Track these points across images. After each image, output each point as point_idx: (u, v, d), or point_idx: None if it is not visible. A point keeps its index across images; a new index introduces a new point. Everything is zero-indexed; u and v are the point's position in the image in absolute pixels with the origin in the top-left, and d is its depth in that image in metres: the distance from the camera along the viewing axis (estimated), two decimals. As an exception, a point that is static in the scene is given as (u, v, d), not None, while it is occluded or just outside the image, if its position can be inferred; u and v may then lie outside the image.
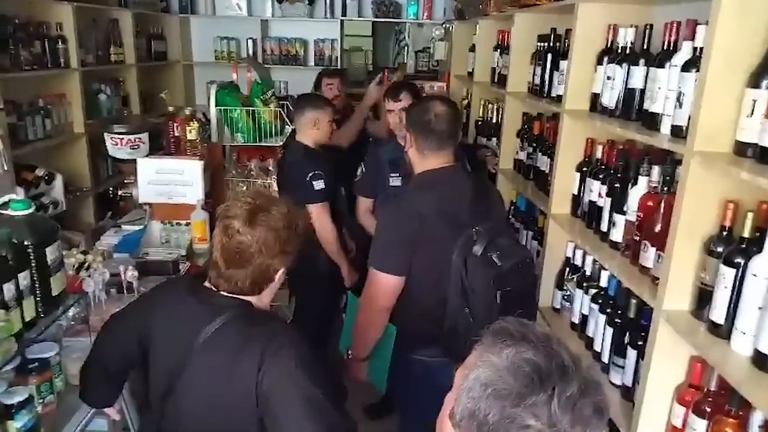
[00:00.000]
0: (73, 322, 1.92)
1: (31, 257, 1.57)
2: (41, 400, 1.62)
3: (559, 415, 0.74)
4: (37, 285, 1.60)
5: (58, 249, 1.68)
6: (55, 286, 1.67)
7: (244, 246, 1.37)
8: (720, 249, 1.39)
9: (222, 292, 1.42)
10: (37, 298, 1.61)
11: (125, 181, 3.30)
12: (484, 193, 2.06)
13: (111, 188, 4.23)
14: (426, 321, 1.90)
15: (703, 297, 1.44)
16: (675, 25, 1.66)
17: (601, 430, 0.78)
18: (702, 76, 1.40)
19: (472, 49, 3.94)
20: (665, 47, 1.70)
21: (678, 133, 1.57)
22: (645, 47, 1.86)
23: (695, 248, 1.47)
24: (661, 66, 1.67)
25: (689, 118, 1.51)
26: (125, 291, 2.10)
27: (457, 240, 1.82)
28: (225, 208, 1.43)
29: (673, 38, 1.67)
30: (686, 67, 1.54)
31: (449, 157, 1.98)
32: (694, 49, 1.54)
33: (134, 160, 2.96)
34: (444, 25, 5.11)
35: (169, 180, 2.86)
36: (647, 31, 1.85)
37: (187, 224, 2.80)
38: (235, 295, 1.42)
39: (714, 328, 1.39)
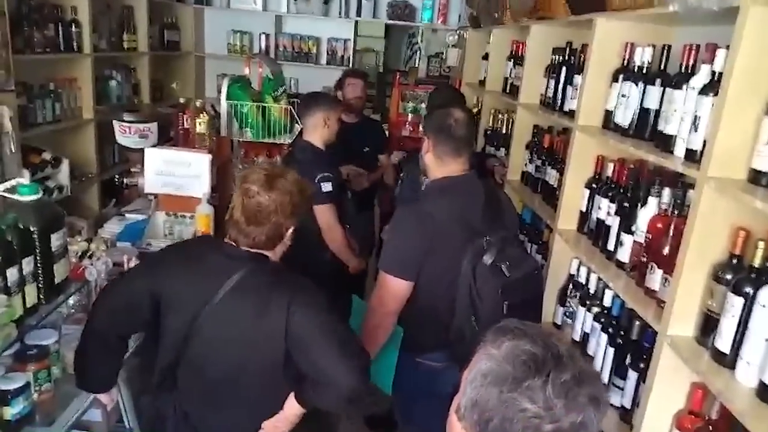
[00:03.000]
0: (73, 310, 1.91)
1: (36, 243, 1.57)
2: (38, 388, 1.61)
3: (553, 399, 0.78)
4: (40, 271, 1.59)
5: (63, 236, 1.68)
6: (58, 274, 1.67)
7: (263, 206, 1.57)
8: (729, 276, 1.38)
9: (242, 247, 1.59)
10: (40, 285, 1.60)
11: (131, 170, 3.28)
12: (498, 201, 2.05)
13: (117, 176, 4.21)
14: (434, 326, 1.90)
15: (709, 324, 1.43)
16: (694, 47, 1.66)
17: (598, 421, 0.81)
18: (720, 100, 1.39)
19: (485, 57, 3.93)
20: (683, 69, 1.69)
21: (692, 156, 1.56)
22: (662, 67, 1.85)
23: (703, 274, 1.46)
24: (678, 88, 1.66)
25: (704, 143, 1.50)
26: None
27: (468, 248, 1.81)
28: (244, 174, 1.64)
29: (691, 61, 1.66)
30: (704, 91, 1.53)
31: (465, 164, 1.98)
32: (713, 73, 1.53)
33: (142, 150, 2.96)
34: (458, 32, 5.11)
35: (176, 172, 2.85)
36: (665, 52, 1.84)
37: (192, 217, 2.79)
38: (253, 250, 1.59)
39: (718, 356, 1.38)
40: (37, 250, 1.57)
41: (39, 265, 1.58)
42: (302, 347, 1.53)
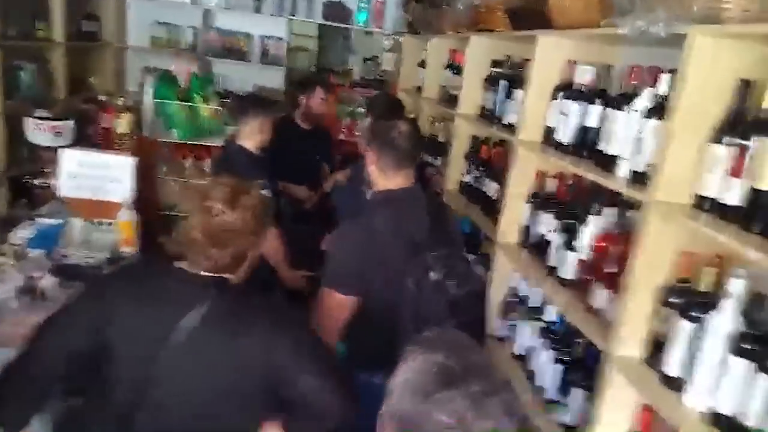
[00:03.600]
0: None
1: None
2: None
3: (463, 411, 0.84)
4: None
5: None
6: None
7: (228, 226, 1.42)
8: (676, 300, 1.39)
9: (201, 272, 1.43)
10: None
11: (44, 170, 3.03)
12: (444, 216, 2.02)
13: (27, 175, 3.88)
14: (380, 343, 1.83)
15: (657, 346, 1.44)
16: (637, 69, 1.68)
17: (513, 428, 0.86)
18: (668, 126, 1.41)
19: (422, 64, 3.92)
20: (624, 90, 1.71)
21: (637, 179, 1.57)
22: (602, 87, 1.87)
23: (650, 296, 1.48)
24: (620, 108, 1.68)
25: (647, 165, 1.52)
26: (42, 298, 1.89)
27: (413, 263, 1.76)
28: (203, 189, 1.47)
29: (633, 82, 1.69)
30: (649, 114, 1.55)
31: (409, 176, 1.94)
32: (655, 96, 1.56)
33: (56, 148, 2.73)
34: (393, 36, 5.08)
35: (95, 175, 2.65)
36: (606, 72, 1.87)
37: (111, 224, 2.60)
38: (215, 274, 1.44)
39: (666, 380, 1.39)
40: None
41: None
42: (288, 378, 1.42)
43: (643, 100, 1.60)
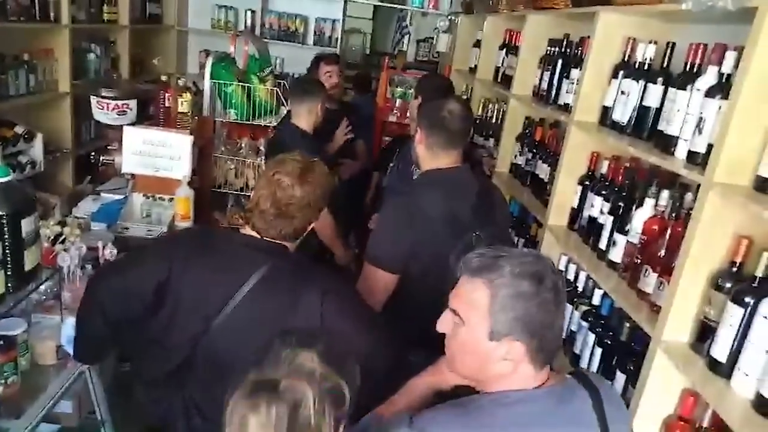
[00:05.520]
0: (44, 297, 1.81)
1: (5, 228, 1.47)
2: (3, 381, 1.52)
3: (555, 298, 1.08)
4: (9, 259, 1.50)
5: (35, 221, 1.58)
6: (28, 261, 1.57)
7: (295, 200, 1.52)
8: (728, 285, 1.34)
9: (265, 238, 1.54)
10: (8, 273, 1.51)
11: (108, 147, 3.17)
12: (490, 197, 2.00)
13: (92, 153, 4.07)
14: (423, 322, 1.84)
15: (705, 331, 1.40)
16: (701, 47, 1.61)
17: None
18: (730, 105, 1.34)
19: (477, 44, 3.86)
20: (688, 68, 1.64)
21: (695, 159, 1.51)
22: (664, 65, 1.80)
23: (701, 280, 1.43)
24: (683, 88, 1.61)
25: (708, 146, 1.46)
26: (102, 268, 1.99)
27: (457, 243, 1.76)
28: (275, 164, 1.58)
29: (697, 60, 1.62)
30: (711, 93, 1.48)
31: (458, 157, 1.93)
32: (720, 74, 1.49)
33: (120, 127, 2.84)
34: (449, 17, 5.01)
35: (156, 152, 2.74)
36: (668, 50, 1.79)
37: (171, 200, 2.70)
38: (277, 241, 1.55)
39: (714, 365, 1.35)
40: (6, 237, 1.47)
41: (8, 252, 1.48)
42: (340, 339, 1.48)
43: (708, 79, 1.53)
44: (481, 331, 1.08)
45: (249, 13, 5.49)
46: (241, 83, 3.23)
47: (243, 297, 1.46)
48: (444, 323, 1.21)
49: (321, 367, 1.06)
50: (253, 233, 1.55)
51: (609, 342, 1.84)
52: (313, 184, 1.55)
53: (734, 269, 1.35)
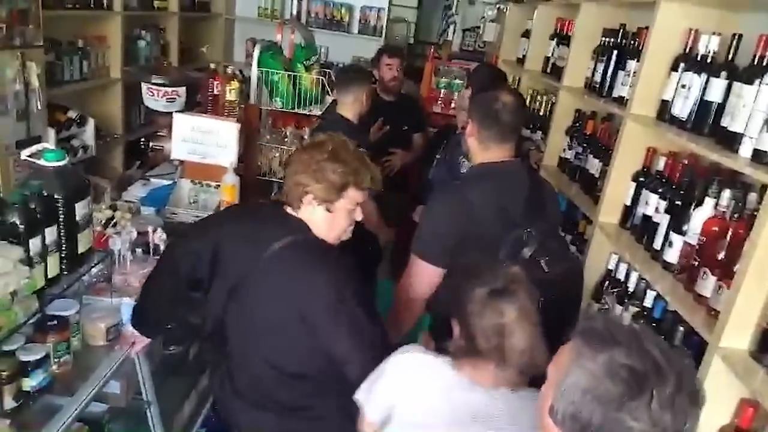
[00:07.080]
0: (95, 280, 1.86)
1: (60, 212, 1.51)
2: (57, 359, 1.57)
3: (659, 414, 0.80)
4: (63, 241, 1.53)
5: (88, 205, 1.61)
6: (81, 243, 1.61)
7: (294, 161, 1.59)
8: (797, 292, 1.27)
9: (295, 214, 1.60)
10: (62, 255, 1.55)
11: (158, 134, 3.23)
12: (542, 192, 1.95)
13: (142, 138, 4.16)
14: None
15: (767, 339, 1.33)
16: (769, 39, 1.52)
17: (698, 414, 0.84)
18: (805, 101, 1.26)
19: (526, 34, 3.77)
20: (755, 62, 1.56)
21: (761, 158, 1.44)
22: (729, 58, 1.71)
23: (766, 285, 1.36)
24: (750, 82, 1.53)
25: (777, 144, 1.38)
26: (152, 253, 2.03)
27: (506, 238, 1.72)
28: (308, 143, 1.71)
29: (766, 53, 1.53)
30: (782, 88, 1.40)
31: (510, 150, 1.88)
32: (791, 68, 1.41)
33: (169, 113, 2.89)
34: (497, 6, 4.91)
35: (204, 139, 2.78)
36: (734, 41, 1.70)
37: (217, 186, 2.73)
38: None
39: (777, 376, 1.28)
40: (61, 220, 1.50)
41: (62, 235, 1.52)
42: (321, 331, 1.53)
43: (776, 73, 1.45)
44: (546, 400, 0.93)
45: (295, 2, 5.49)
46: (287, 72, 3.23)
47: (261, 265, 1.51)
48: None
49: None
50: (287, 208, 1.61)
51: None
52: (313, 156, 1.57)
53: (802, 275, 1.28)
